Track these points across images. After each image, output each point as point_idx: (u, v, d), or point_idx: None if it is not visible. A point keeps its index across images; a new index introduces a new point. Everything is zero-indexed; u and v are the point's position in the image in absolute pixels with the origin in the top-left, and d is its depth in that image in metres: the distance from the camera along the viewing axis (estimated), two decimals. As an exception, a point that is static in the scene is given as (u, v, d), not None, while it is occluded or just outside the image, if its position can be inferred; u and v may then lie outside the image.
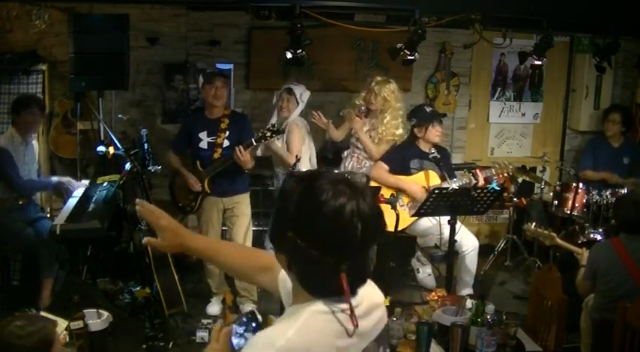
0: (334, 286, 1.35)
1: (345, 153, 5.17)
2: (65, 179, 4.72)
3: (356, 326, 1.38)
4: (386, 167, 4.88)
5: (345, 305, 1.38)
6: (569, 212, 5.16)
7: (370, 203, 1.38)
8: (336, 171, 1.49)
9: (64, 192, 4.73)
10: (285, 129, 4.88)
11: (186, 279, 4.90)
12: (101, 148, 4.52)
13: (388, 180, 4.82)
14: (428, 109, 5.03)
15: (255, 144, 4.44)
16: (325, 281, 1.38)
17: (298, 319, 1.38)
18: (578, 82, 6.36)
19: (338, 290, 1.36)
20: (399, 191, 4.84)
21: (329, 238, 1.35)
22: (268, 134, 4.41)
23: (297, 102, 4.97)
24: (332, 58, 5.64)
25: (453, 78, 6.04)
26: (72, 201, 4.49)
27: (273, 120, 5.06)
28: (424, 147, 4.89)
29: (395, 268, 5.42)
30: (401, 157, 4.91)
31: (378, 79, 4.97)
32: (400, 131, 5.00)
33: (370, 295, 1.51)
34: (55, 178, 4.70)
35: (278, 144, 4.86)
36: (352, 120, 5.00)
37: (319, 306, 1.40)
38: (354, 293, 1.41)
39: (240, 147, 4.40)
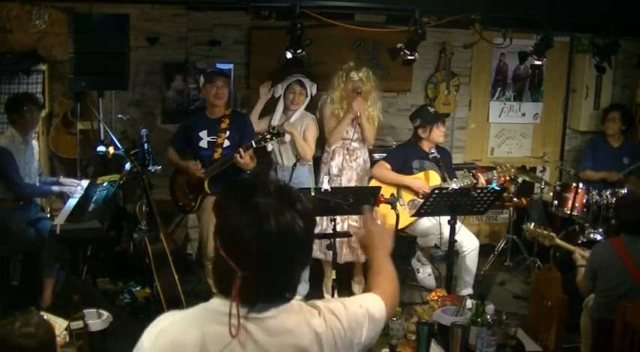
0: (231, 290, 1.39)
1: (333, 147, 4.97)
2: (68, 181, 4.72)
3: (232, 335, 1.39)
4: (388, 166, 4.89)
5: (231, 311, 1.40)
6: (569, 212, 5.17)
7: (283, 223, 1.39)
8: (270, 181, 1.50)
9: (64, 194, 4.73)
10: (299, 125, 4.91)
11: (186, 279, 4.90)
12: (101, 148, 4.52)
13: (392, 177, 4.83)
14: (431, 110, 5.04)
15: (255, 146, 4.43)
16: (224, 282, 1.43)
17: (192, 309, 1.49)
18: (578, 82, 6.36)
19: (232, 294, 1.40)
20: (400, 190, 4.85)
21: (232, 245, 1.41)
22: (268, 136, 4.40)
23: (307, 95, 4.97)
24: (332, 58, 5.63)
25: (452, 78, 6.03)
26: (72, 201, 4.50)
27: (278, 114, 5.01)
28: (426, 147, 4.90)
29: (395, 268, 5.42)
30: (404, 157, 4.93)
31: (351, 64, 4.93)
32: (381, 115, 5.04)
33: (292, 321, 1.47)
34: (56, 188, 4.66)
35: (295, 133, 4.86)
36: (352, 103, 4.80)
37: (214, 303, 1.46)
38: (250, 303, 1.42)
39: (241, 149, 4.40)
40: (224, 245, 1.42)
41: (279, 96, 5.03)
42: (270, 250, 1.39)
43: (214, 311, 1.45)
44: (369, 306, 1.62)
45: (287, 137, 4.82)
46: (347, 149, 4.95)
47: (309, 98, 5.01)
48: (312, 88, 4.99)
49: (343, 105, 4.92)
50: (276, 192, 1.44)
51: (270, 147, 4.92)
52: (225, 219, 1.43)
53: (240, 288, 1.38)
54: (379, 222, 1.94)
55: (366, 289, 1.78)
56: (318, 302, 1.55)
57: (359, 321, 1.56)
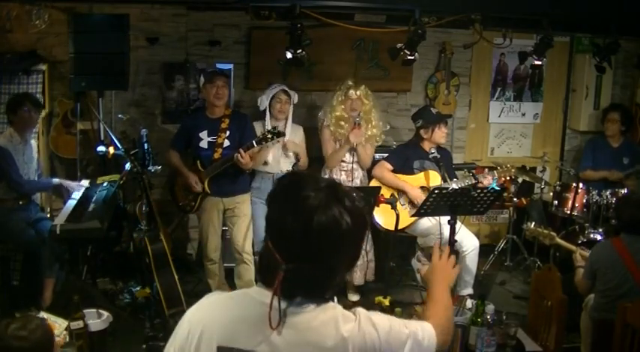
0: (273, 281, 1.41)
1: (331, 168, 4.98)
2: (66, 182, 4.73)
3: (272, 327, 1.41)
4: (390, 166, 4.89)
5: (272, 302, 1.42)
6: (569, 212, 5.17)
7: (330, 217, 1.40)
8: (322, 177, 1.53)
9: (64, 193, 4.74)
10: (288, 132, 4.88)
11: (186, 279, 4.90)
12: (101, 148, 4.52)
13: (391, 180, 4.82)
14: (434, 111, 5.03)
15: (255, 146, 4.43)
16: (268, 273, 1.44)
17: (233, 293, 1.55)
18: (578, 82, 6.36)
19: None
20: (400, 191, 4.84)
21: (278, 236, 1.43)
22: (269, 136, 4.40)
23: (291, 104, 4.94)
24: (332, 58, 5.63)
25: (452, 78, 6.04)
26: (72, 201, 4.50)
27: (268, 125, 4.93)
28: (427, 147, 4.90)
29: (395, 268, 5.43)
30: (405, 157, 4.92)
31: (350, 83, 4.89)
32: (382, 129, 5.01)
33: (320, 321, 1.45)
34: (56, 180, 4.68)
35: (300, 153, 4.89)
36: (349, 135, 4.78)
37: (254, 291, 1.49)
38: (289, 297, 1.43)
39: (241, 150, 4.40)
40: (271, 236, 1.45)
41: (265, 108, 4.92)
42: (315, 244, 1.40)
43: (252, 298, 1.47)
44: (416, 331, 1.59)
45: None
46: (345, 170, 4.94)
47: (292, 106, 4.97)
48: (294, 97, 4.96)
49: (342, 129, 4.84)
50: (326, 187, 1.44)
51: (270, 158, 4.87)
52: (273, 211, 1.45)
53: (282, 281, 1.40)
54: (445, 258, 1.98)
55: (422, 318, 1.76)
56: (361, 310, 1.53)
57: (401, 339, 1.53)
